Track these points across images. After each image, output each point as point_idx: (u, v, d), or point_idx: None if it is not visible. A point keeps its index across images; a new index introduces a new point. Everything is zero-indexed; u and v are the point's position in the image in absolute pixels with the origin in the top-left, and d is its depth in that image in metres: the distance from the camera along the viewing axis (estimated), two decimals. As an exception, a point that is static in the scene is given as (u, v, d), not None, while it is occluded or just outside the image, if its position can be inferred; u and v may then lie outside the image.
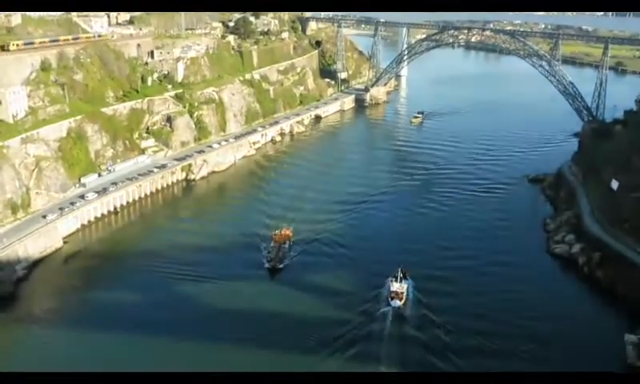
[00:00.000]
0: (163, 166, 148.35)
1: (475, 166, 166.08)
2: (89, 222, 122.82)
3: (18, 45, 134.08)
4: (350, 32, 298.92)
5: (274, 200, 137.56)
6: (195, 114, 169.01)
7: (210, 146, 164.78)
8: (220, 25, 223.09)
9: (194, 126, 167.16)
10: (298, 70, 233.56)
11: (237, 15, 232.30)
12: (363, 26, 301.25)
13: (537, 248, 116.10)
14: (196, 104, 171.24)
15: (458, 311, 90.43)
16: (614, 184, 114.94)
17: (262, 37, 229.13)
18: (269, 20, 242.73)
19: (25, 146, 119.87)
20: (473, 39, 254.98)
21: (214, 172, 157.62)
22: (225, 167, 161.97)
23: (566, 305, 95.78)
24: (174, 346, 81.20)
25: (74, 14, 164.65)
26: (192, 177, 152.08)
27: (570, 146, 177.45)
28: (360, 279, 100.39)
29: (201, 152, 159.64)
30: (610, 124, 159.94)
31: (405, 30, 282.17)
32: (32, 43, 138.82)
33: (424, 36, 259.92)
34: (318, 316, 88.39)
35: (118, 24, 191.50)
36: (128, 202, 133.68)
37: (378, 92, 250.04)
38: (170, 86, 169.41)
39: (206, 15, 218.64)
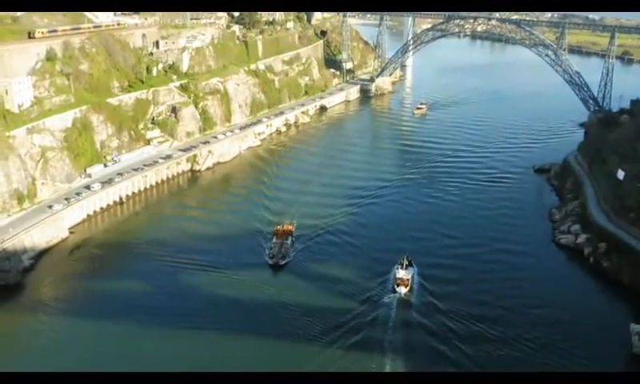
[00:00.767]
0: (168, 157, 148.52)
1: (480, 156, 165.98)
2: (94, 212, 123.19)
3: (43, 32, 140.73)
4: (355, 22, 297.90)
5: (278, 191, 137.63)
6: (200, 105, 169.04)
7: (215, 137, 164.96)
8: (225, 14, 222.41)
9: (199, 116, 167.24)
10: (303, 60, 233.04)
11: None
12: (369, 15, 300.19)
13: (542, 238, 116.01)
14: (201, 94, 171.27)
15: (462, 298, 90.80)
16: (620, 174, 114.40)
17: (266, 27, 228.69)
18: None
19: (31, 136, 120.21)
20: (479, 29, 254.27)
21: (219, 163, 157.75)
22: (230, 158, 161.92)
23: (572, 294, 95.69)
24: (178, 333, 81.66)
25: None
26: (197, 167, 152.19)
27: (576, 136, 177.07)
28: (365, 266, 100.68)
29: (206, 143, 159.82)
30: (617, 114, 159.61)
31: (410, 19, 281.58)
32: (55, 31, 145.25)
33: (430, 26, 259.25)
34: (322, 304, 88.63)
35: (123, 13, 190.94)
36: (133, 193, 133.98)
37: (384, 82, 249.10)
38: (175, 77, 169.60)
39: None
